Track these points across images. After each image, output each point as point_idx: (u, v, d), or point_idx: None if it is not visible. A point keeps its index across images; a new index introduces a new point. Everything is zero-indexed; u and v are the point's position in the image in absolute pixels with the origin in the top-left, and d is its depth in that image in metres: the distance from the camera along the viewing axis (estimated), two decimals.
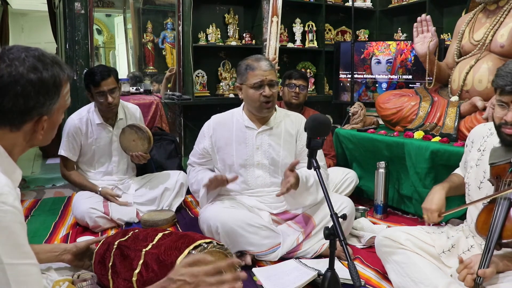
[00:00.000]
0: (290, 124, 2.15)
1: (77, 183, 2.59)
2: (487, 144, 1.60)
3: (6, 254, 0.82)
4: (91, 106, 2.61)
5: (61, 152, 2.56)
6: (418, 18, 2.77)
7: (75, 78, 3.35)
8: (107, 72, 2.45)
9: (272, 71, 2.05)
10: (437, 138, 2.42)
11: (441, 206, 1.62)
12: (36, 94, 0.92)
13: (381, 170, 2.57)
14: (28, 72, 0.91)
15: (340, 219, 1.32)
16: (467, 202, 1.66)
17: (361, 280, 1.20)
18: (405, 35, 4.25)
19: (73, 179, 2.59)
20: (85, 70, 2.67)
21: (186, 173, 2.49)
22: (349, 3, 4.14)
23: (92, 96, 2.50)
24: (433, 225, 2.36)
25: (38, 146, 1.09)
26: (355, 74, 3.69)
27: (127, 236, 1.52)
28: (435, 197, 1.65)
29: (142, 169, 2.86)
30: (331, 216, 1.31)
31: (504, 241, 1.31)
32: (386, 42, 3.73)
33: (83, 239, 1.78)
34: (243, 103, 2.20)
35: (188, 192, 2.49)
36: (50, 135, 1.04)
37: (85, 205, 2.37)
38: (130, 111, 2.74)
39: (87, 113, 2.58)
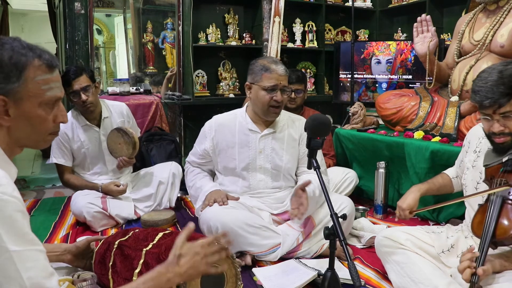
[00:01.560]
0: (294, 128, 2.13)
1: (77, 186, 2.56)
2: (483, 146, 1.60)
3: (11, 242, 0.83)
4: (74, 110, 2.60)
5: (52, 160, 2.56)
6: (418, 18, 2.77)
7: None
8: (79, 71, 2.42)
9: (286, 76, 2.02)
10: (437, 138, 2.42)
11: (412, 206, 1.74)
12: None
13: (381, 170, 2.57)
14: None
15: (340, 219, 1.32)
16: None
17: (361, 280, 1.20)
18: (405, 35, 4.25)
19: (73, 182, 2.57)
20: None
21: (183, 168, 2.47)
22: (349, 3, 4.14)
23: (70, 98, 2.47)
24: (433, 224, 2.37)
25: (31, 147, 1.05)
26: (355, 74, 3.69)
27: (128, 236, 1.53)
28: (409, 197, 1.76)
29: (140, 167, 2.86)
30: (331, 216, 1.31)
31: (498, 239, 1.31)
32: (386, 42, 3.73)
33: (83, 239, 1.78)
34: (246, 104, 2.17)
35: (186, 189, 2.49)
36: (29, 129, 0.98)
37: (83, 201, 2.37)
38: (115, 108, 2.71)
39: (71, 117, 2.56)
